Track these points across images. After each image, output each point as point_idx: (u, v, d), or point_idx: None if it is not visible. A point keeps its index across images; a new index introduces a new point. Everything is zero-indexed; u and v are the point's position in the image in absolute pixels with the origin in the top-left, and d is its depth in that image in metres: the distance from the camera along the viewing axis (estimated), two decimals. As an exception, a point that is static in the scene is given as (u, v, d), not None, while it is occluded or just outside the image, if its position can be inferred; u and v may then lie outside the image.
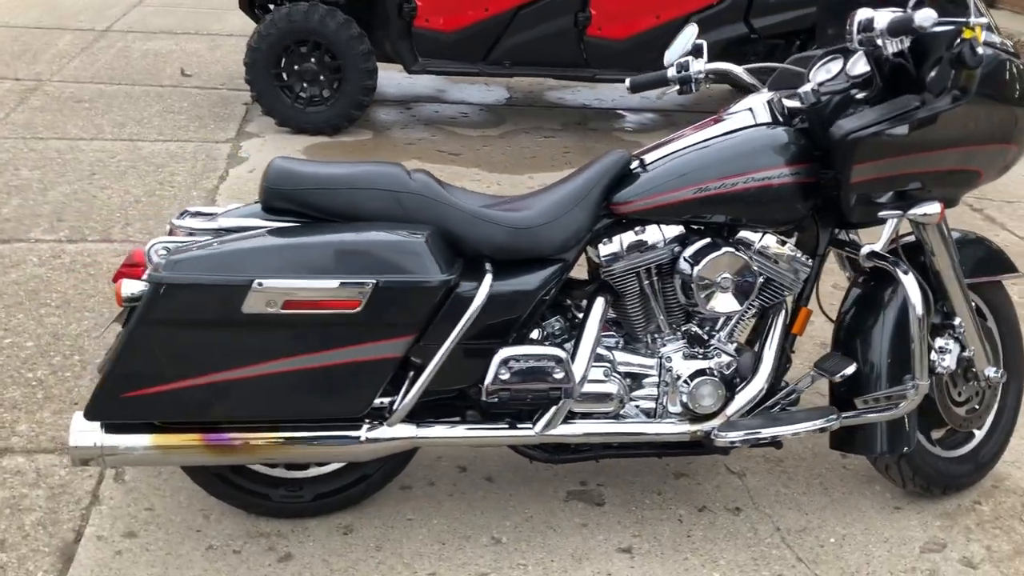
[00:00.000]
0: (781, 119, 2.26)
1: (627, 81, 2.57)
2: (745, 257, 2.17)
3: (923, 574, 2.28)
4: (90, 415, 1.92)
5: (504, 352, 2.08)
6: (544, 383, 2.10)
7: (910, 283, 2.17)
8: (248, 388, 1.93)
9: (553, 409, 2.14)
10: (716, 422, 2.23)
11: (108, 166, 4.51)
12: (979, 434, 2.56)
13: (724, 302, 2.17)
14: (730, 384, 2.25)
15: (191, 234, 2.02)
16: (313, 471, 2.28)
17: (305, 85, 5.05)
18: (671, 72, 2.45)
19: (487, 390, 2.08)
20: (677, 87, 2.46)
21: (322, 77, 5.04)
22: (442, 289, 1.96)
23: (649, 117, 6.04)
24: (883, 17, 1.98)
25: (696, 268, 2.14)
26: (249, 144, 4.98)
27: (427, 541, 2.28)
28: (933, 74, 2.04)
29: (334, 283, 1.88)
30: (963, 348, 2.40)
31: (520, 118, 5.80)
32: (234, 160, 4.73)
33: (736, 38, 5.24)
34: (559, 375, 2.11)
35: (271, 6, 5.29)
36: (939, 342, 2.38)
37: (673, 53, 2.54)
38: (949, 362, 2.38)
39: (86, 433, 1.98)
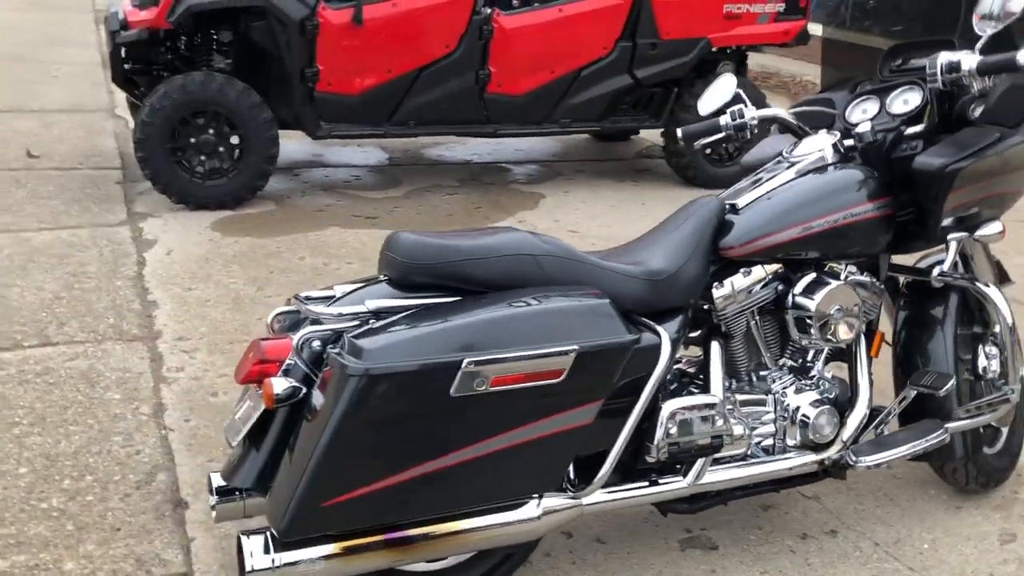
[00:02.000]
0: (847, 158, 2.42)
1: (679, 131, 2.65)
2: (851, 288, 2.29)
3: (1017, 565, 2.47)
4: (288, 533, 1.71)
5: (671, 405, 2.06)
6: (706, 432, 2.11)
7: (996, 295, 2.38)
8: (451, 476, 1.80)
9: (703, 458, 2.15)
10: (835, 449, 2.32)
11: (1, 263, 4.01)
12: (1004, 429, 2.82)
13: (840, 332, 2.28)
14: (841, 411, 2.35)
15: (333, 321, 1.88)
16: (452, 561, 2.14)
17: (203, 158, 4.75)
18: (725, 120, 2.55)
19: (657, 446, 2.05)
20: (731, 134, 2.57)
21: (221, 149, 4.77)
22: (631, 348, 1.92)
23: (533, 168, 6.17)
24: (970, 59, 2.19)
25: (815, 302, 2.23)
26: (149, 225, 4.60)
27: (578, 613, 2.20)
28: (1016, 107, 2.26)
29: (544, 354, 1.80)
30: (1001, 352, 2.64)
31: (413, 177, 5.74)
32: (142, 244, 4.35)
33: (622, 88, 5.49)
34: (719, 422, 2.12)
35: (147, 78, 4.94)
36: (986, 349, 2.61)
37: (710, 103, 2.66)
38: (995, 366, 2.61)
39: (262, 556, 1.76)
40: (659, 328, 2.05)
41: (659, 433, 2.05)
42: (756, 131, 2.57)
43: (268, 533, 1.82)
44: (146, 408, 2.96)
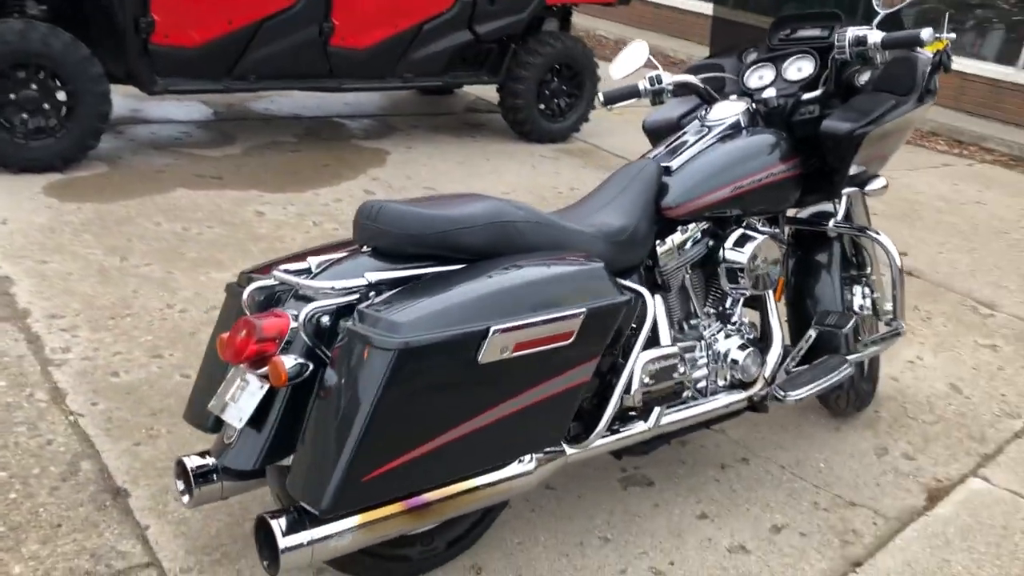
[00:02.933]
0: (755, 122, 2.64)
1: (600, 95, 2.76)
2: (772, 240, 2.53)
3: (894, 475, 2.86)
4: (332, 509, 1.70)
5: (645, 356, 2.21)
6: (672, 379, 2.28)
7: (888, 242, 2.70)
8: (475, 440, 1.84)
9: (661, 403, 2.32)
10: (759, 386, 2.57)
11: None
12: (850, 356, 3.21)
13: (765, 280, 2.51)
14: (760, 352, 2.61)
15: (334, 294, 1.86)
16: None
17: (26, 116, 4.32)
18: (643, 85, 2.70)
19: (635, 395, 2.20)
20: (650, 98, 2.72)
21: (47, 106, 4.35)
22: (624, 307, 2.04)
23: (367, 123, 6.09)
24: (875, 34, 2.46)
25: (745, 255, 2.45)
26: (-31, 192, 4.15)
27: (552, 557, 2.33)
28: (907, 77, 2.55)
29: (559, 318, 1.87)
30: (872, 291, 3.01)
31: (247, 134, 5.51)
32: (-32, 213, 3.93)
33: (462, 43, 5.53)
34: (681, 370, 2.30)
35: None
36: (862, 289, 2.96)
37: (622, 68, 2.80)
38: (870, 304, 2.97)
39: (293, 537, 1.75)
40: (639, 287, 2.18)
41: (635, 382, 2.19)
42: (671, 95, 2.74)
43: (293, 512, 1.80)
44: (42, 394, 2.74)
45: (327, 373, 1.79)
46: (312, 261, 2.07)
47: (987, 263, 4.97)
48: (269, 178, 4.79)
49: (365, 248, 2.03)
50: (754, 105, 2.67)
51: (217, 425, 2.02)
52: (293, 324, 1.87)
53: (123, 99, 5.70)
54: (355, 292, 1.89)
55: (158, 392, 2.82)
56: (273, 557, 1.77)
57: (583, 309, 1.93)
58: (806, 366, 2.74)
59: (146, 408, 2.74)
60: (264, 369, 1.84)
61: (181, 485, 2.08)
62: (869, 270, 2.98)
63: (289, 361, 1.80)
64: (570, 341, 1.93)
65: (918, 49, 2.53)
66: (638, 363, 2.21)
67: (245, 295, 2.01)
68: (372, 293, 1.90)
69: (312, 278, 1.96)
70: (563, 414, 2.01)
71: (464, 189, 4.97)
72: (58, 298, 3.30)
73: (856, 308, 2.94)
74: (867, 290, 2.97)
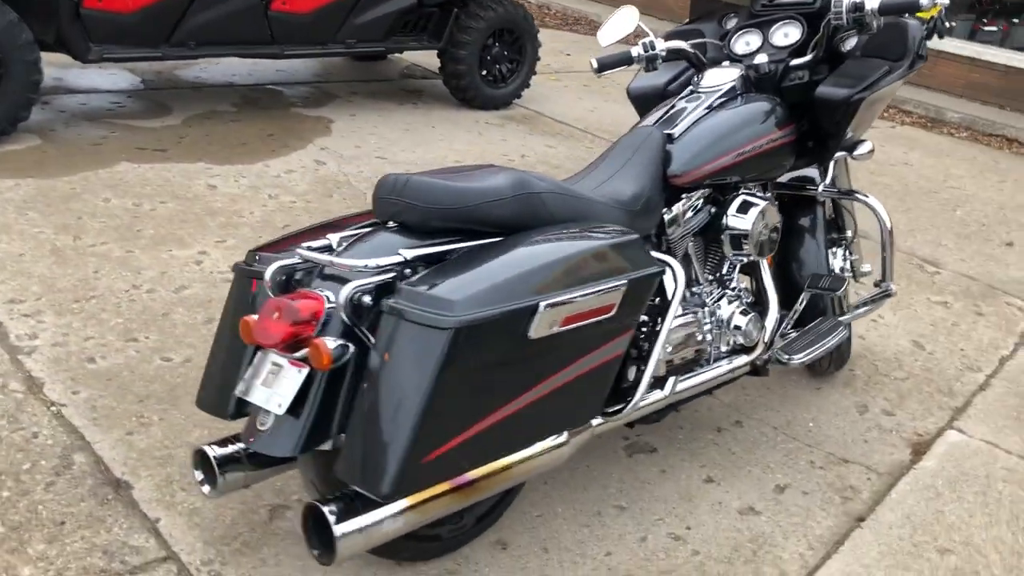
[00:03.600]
0: (752, 89, 2.66)
1: (594, 62, 2.73)
2: (772, 206, 2.56)
3: (878, 431, 2.96)
4: (393, 493, 1.65)
5: (668, 325, 2.21)
6: (693, 347, 2.29)
7: (877, 204, 2.76)
8: (523, 416, 1.82)
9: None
10: (760, 350, 2.61)
11: None
12: (843, 318, 3.31)
13: (767, 246, 2.55)
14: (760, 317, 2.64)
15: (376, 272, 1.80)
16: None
17: (-50, 87, 4.04)
18: (636, 52, 2.68)
19: (660, 365, 2.20)
20: (643, 65, 2.70)
21: (-28, 76, 4.08)
22: (657, 278, 2.03)
23: (304, 90, 5.91)
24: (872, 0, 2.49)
25: (749, 221, 2.47)
26: None
27: (573, 528, 2.33)
28: (898, 43, 2.59)
29: (603, 290, 1.85)
30: (851, 254, 3.09)
31: (182, 103, 5.28)
32: None
33: (405, 8, 5.40)
34: (699, 337, 2.31)
35: None
36: (843, 252, 3.03)
37: (611, 34, 2.77)
38: (849, 266, 3.05)
39: (347, 524, 1.70)
40: (666, 257, 2.18)
41: (657, 350, 2.20)
42: (663, 61, 2.72)
43: (343, 498, 1.74)
44: (16, 384, 2.59)
45: (373, 355, 1.73)
46: (332, 238, 2.00)
47: (923, 222, 5.15)
48: (215, 149, 4.61)
49: (391, 224, 1.97)
50: (746, 71, 2.68)
51: (239, 411, 1.94)
52: (328, 304, 1.80)
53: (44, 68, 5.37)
54: (391, 270, 1.83)
55: (140, 377, 2.70)
56: (326, 545, 1.72)
57: (624, 281, 1.92)
58: (801, 330, 2.79)
59: (131, 395, 2.61)
60: (302, 352, 1.78)
61: (200, 475, 2.00)
62: (849, 233, 3.05)
63: (331, 343, 1.74)
64: (612, 313, 1.91)
65: (907, 15, 2.58)
66: (669, 333, 2.21)
67: (268, 275, 1.93)
68: (407, 270, 1.85)
69: (337, 255, 1.89)
70: (602, 386, 2.00)
71: (415, 158, 4.89)
72: (14, 281, 3.11)
73: (838, 270, 3.01)
74: (848, 252, 3.04)
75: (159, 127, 4.82)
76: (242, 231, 3.72)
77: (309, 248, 1.93)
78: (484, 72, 5.90)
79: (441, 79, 5.95)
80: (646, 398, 2.30)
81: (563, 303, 1.80)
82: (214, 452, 1.95)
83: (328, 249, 1.97)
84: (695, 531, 2.38)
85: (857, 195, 2.83)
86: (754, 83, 2.69)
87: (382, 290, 1.81)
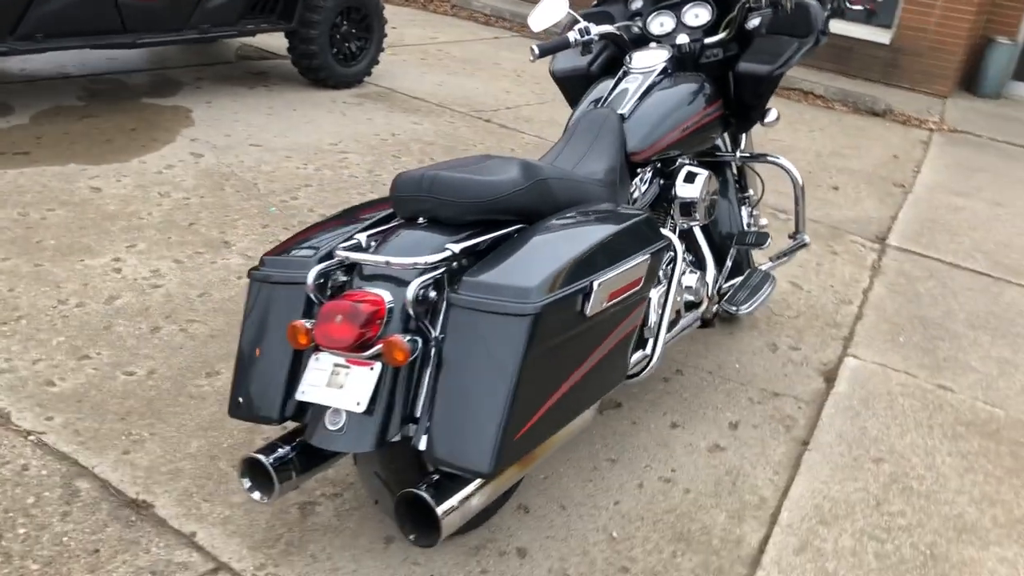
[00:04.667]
0: (682, 67, 2.91)
1: (534, 48, 2.87)
2: (712, 175, 2.83)
3: (792, 365, 3.35)
4: (495, 470, 1.76)
5: (673, 291, 2.43)
6: (678, 309, 2.53)
7: (789, 164, 3.10)
8: (579, 386, 1.98)
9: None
10: (705, 305, 2.89)
11: None
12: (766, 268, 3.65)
13: (711, 211, 2.82)
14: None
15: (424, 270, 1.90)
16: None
17: None
18: (573, 36, 2.85)
19: (655, 327, 2.42)
20: (580, 49, 2.89)
21: None
22: (669, 249, 2.24)
23: (143, 78, 5.63)
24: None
25: (697, 189, 2.73)
26: None
27: (579, 485, 2.52)
28: (804, 22, 2.90)
29: (636, 265, 2.03)
30: (753, 211, 3.44)
31: (20, 99, 4.91)
32: None
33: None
34: (679, 300, 2.55)
35: None
36: (748, 209, 3.37)
37: (541, 20, 2.93)
38: (753, 222, 3.40)
39: (446, 504, 1.81)
40: (665, 231, 2.38)
41: (668, 315, 2.42)
42: (598, 45, 2.92)
43: (433, 483, 1.85)
44: (-21, 417, 2.45)
45: (450, 345, 1.83)
46: (360, 238, 2.07)
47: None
48: (81, 149, 4.35)
49: (420, 220, 2.06)
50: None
51: (295, 415, 1.98)
52: (388, 303, 1.89)
53: None
54: (442, 265, 1.93)
55: (110, 395, 2.61)
56: (427, 528, 1.82)
57: (648, 255, 2.11)
58: (733, 283, 3.11)
59: (110, 414, 2.54)
60: (373, 351, 1.85)
61: (248, 483, 2.02)
62: (751, 192, 3.39)
63: (406, 340, 1.82)
64: (640, 286, 2.11)
65: (815, -3, 2.91)
66: (675, 286, 2.44)
67: (310, 280, 1.97)
68: (454, 264, 1.95)
69: (375, 253, 1.97)
70: (627, 353, 2.20)
71: (290, 143, 4.83)
72: (-75, 309, 2.89)
73: (746, 226, 3.35)
74: (752, 210, 3.39)
75: (7, 127, 4.49)
76: (148, 233, 3.59)
77: (350, 248, 1.99)
78: (335, 51, 5.86)
79: (283, 59, 5.86)
80: (639, 354, 2.52)
81: (609, 280, 1.97)
82: (268, 459, 1.98)
83: (359, 248, 2.04)
84: (679, 472, 2.64)
85: (768, 157, 3.16)
86: (676, 62, 2.93)
87: (437, 284, 1.91)
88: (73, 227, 3.56)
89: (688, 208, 2.77)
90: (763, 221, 3.43)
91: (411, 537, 1.86)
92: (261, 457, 1.98)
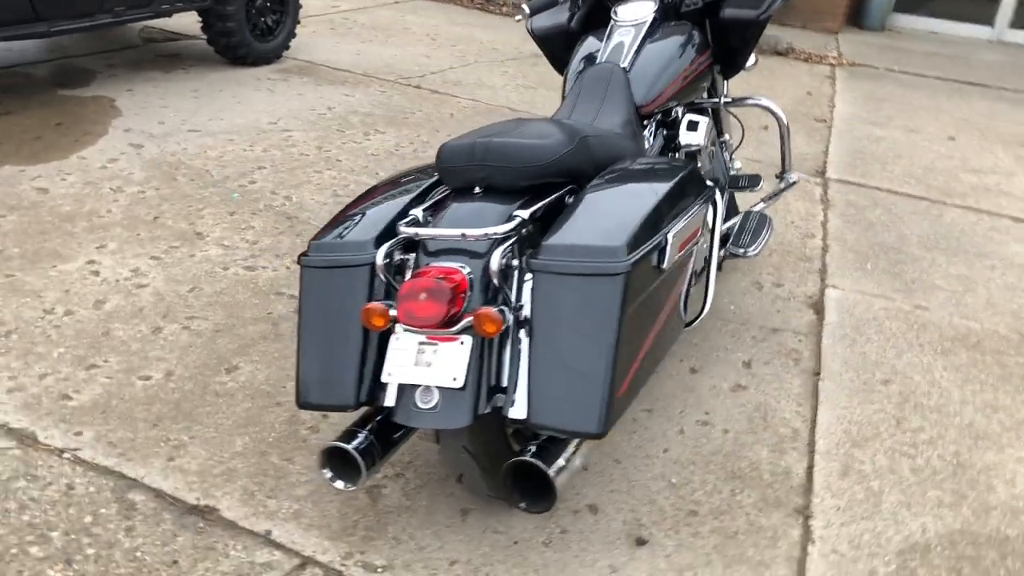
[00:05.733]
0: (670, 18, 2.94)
1: (525, 8, 2.85)
2: (711, 122, 2.88)
3: (781, 301, 3.47)
4: (606, 428, 1.77)
5: (718, 239, 2.47)
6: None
7: (774, 105, 3.17)
8: (660, 337, 2.01)
9: None
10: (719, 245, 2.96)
11: None
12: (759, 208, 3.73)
13: (712, 156, 2.88)
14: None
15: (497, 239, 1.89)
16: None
17: None
18: (564, -7, 2.86)
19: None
20: (569, 4, 2.89)
21: None
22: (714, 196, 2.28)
23: (46, 68, 5.30)
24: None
25: (701, 135, 2.78)
26: None
27: (627, 439, 2.57)
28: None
29: (695, 213, 2.07)
30: (782, 145, 3.49)
31: (-74, 102, 4.56)
32: None
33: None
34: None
35: None
36: (726, 154, 3.45)
37: (526, -19, 2.92)
38: (731, 164, 3.48)
39: (555, 467, 1.82)
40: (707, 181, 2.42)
41: (715, 262, 2.46)
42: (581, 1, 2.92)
43: (539, 449, 1.85)
44: (3, 442, 2.31)
45: (540, 312, 1.83)
46: (416, 213, 2.04)
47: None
48: (10, 149, 4.08)
49: (476, 189, 2.04)
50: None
51: (367, 400, 1.95)
52: (468, 275, 1.87)
53: None
54: (513, 233, 1.92)
55: (134, 402, 2.50)
56: (539, 492, 1.82)
57: (703, 204, 2.15)
58: (732, 225, 3.18)
59: (140, 422, 2.43)
60: (460, 325, 1.83)
61: (328, 473, 1.98)
62: (727, 136, 3.47)
63: (496, 312, 1.81)
64: (699, 235, 2.14)
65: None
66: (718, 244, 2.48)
67: (379, 261, 1.93)
68: (527, 228, 1.95)
69: (435, 227, 1.95)
70: (682, 300, 2.24)
71: (228, 126, 4.65)
72: (-99, 334, 2.68)
73: (732, 168, 3.43)
74: (729, 153, 3.47)
75: (-78, 133, 4.16)
76: (114, 232, 3.42)
77: (413, 224, 1.96)
78: (251, 26, 5.64)
79: (192, 39, 5.63)
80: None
81: (679, 232, 2.00)
82: (352, 445, 1.94)
83: (419, 223, 2.01)
84: (713, 415, 2.72)
85: (754, 99, 3.23)
86: (661, 12, 2.96)
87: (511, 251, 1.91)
88: (32, 232, 3.35)
89: (693, 156, 2.82)
90: (737, 164, 3.51)
91: (521, 505, 1.86)
92: (345, 445, 1.94)
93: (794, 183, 3.39)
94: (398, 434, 2.04)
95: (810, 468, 2.51)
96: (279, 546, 2.08)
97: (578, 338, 1.80)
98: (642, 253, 1.85)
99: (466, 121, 5.11)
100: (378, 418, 2.01)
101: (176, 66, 5.61)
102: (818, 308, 3.42)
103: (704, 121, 2.81)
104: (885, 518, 2.34)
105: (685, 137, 2.79)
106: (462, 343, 1.85)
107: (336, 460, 1.97)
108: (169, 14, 5.22)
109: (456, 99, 5.54)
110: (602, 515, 2.27)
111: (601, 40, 2.85)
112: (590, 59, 2.82)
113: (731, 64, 3.04)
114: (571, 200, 2.08)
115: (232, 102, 5.03)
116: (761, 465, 2.51)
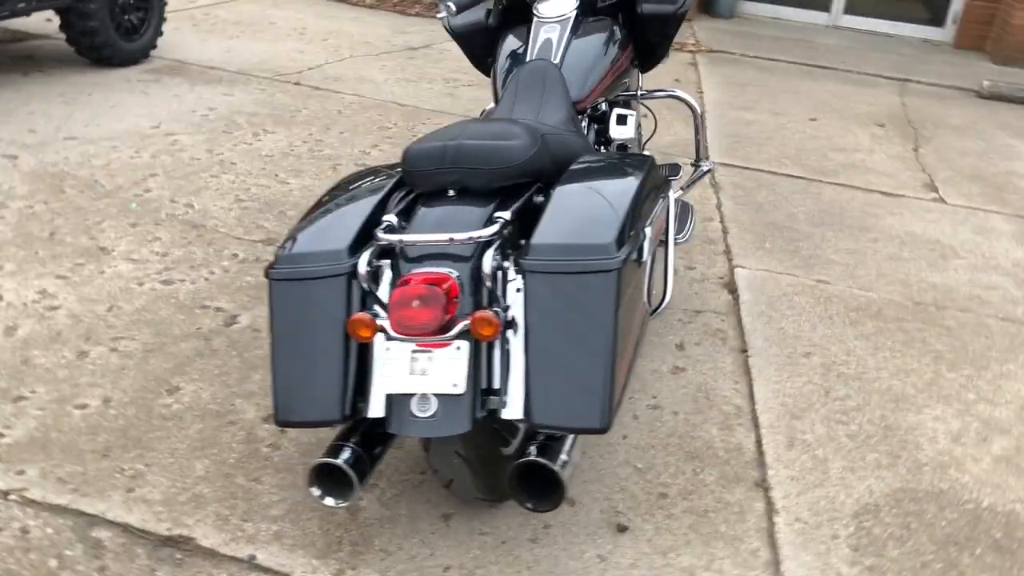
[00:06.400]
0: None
1: (451, 5, 2.83)
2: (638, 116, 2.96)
3: (698, 284, 3.60)
4: (608, 423, 1.79)
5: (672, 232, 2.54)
6: None
7: (688, 96, 3.28)
8: (640, 333, 2.05)
9: None
10: (641, 238, 3.05)
11: None
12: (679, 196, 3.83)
13: (640, 148, 2.95)
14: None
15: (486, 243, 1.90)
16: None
17: None
18: (489, -12, 2.86)
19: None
20: (494, 2, 2.89)
21: None
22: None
23: None
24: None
25: (631, 129, 2.85)
26: None
27: (583, 427, 2.62)
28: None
29: (662, 206, 2.12)
30: (696, 135, 3.57)
31: None
32: None
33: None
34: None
35: None
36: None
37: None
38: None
39: (559, 462, 1.84)
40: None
41: (672, 254, 2.53)
42: (507, -2, 2.92)
43: (542, 446, 1.86)
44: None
45: (533, 311, 1.84)
46: (388, 219, 2.01)
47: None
48: None
49: (450, 192, 2.03)
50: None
51: (351, 412, 1.91)
52: (456, 279, 1.86)
53: None
54: (497, 236, 1.92)
55: (75, 433, 2.35)
56: (548, 491, 1.84)
57: (667, 196, 2.21)
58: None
59: (87, 453, 2.29)
60: (458, 329, 1.82)
61: (317, 491, 1.93)
62: (693, 118, 3.54)
63: (492, 314, 1.81)
64: (664, 226, 2.20)
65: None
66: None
67: (362, 271, 1.90)
68: (507, 230, 1.95)
69: (411, 233, 1.93)
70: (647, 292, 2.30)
71: (106, 132, 4.39)
72: None
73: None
74: (644, 145, 3.57)
75: None
76: (9, 251, 3.18)
77: (389, 231, 1.93)
78: (115, 25, 5.34)
79: (44, 39, 5.30)
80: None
81: (654, 226, 2.05)
82: (343, 460, 1.90)
83: (395, 230, 1.98)
84: (660, 398, 2.81)
85: (668, 90, 3.33)
86: (584, 6, 3.00)
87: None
88: (-81, 257, 3.08)
89: (623, 148, 2.89)
90: (646, 153, 3.62)
91: (529, 505, 1.87)
92: (337, 462, 1.90)
93: (709, 171, 3.52)
94: (381, 446, 2.01)
95: (758, 442, 2.64)
96: (266, 570, 2.01)
97: (575, 336, 1.83)
98: (629, 248, 1.89)
99: (355, 117, 5.02)
100: (360, 430, 1.98)
101: (34, 68, 5.24)
102: (731, 288, 3.58)
103: (632, 115, 2.88)
104: (835, 484, 2.49)
105: (616, 131, 2.85)
106: (458, 348, 1.84)
107: (323, 477, 1.92)
108: (27, 13, 4.87)
109: (340, 95, 5.43)
110: (580, 507, 2.31)
111: (523, 37, 2.87)
112: (517, 57, 2.84)
113: (649, 57, 3.13)
114: (541, 199, 2.10)
115: (106, 106, 4.75)
116: (714, 443, 2.61)
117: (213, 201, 3.76)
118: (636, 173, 2.13)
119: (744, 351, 3.12)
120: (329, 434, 2.04)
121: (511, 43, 2.87)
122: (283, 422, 1.95)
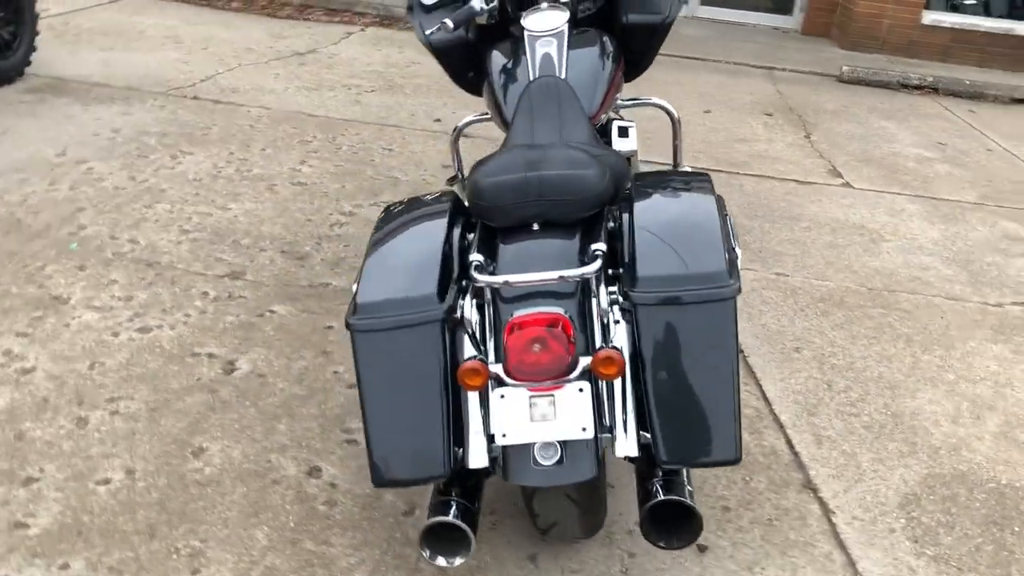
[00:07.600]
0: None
1: (448, 22, 2.72)
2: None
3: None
4: (740, 453, 1.78)
5: None
6: None
7: (667, 104, 3.29)
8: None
9: None
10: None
11: None
12: None
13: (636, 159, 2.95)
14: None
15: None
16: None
17: None
18: (479, 4, 2.76)
19: None
20: (485, 17, 2.81)
21: None
22: None
23: None
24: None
25: (633, 140, 2.84)
26: None
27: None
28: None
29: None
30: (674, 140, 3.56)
31: None
32: None
33: None
34: None
35: None
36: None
37: (431, -8, 2.81)
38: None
39: (689, 495, 1.81)
40: None
41: None
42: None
43: (667, 483, 1.82)
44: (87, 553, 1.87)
45: (650, 345, 1.80)
46: (475, 258, 1.91)
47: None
48: None
49: (535, 226, 1.96)
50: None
51: (455, 465, 1.82)
52: (566, 316, 1.81)
53: None
54: (597, 269, 1.86)
55: (110, 513, 2.12)
56: (686, 527, 1.80)
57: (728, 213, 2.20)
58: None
59: (133, 536, 2.07)
60: (578, 370, 1.76)
61: (427, 552, 1.83)
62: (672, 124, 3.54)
63: (614, 351, 1.76)
64: (731, 244, 2.20)
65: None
66: None
67: (467, 315, 1.81)
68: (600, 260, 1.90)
69: (495, 273, 1.86)
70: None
71: (4, 161, 3.98)
72: None
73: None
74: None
75: None
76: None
77: (478, 269, 1.83)
78: (-12, 43, 4.85)
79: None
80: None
81: (738, 246, 2.05)
82: (453, 516, 1.80)
83: (483, 268, 1.89)
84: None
85: (642, 100, 3.33)
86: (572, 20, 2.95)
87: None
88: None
89: (628, 161, 2.87)
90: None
91: (660, 544, 1.83)
92: (449, 519, 1.80)
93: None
94: (479, 494, 1.92)
95: (789, 443, 2.70)
96: (374, 641, 1.88)
97: (699, 368, 1.80)
98: (737, 271, 1.88)
99: (269, 132, 4.77)
100: (458, 481, 1.88)
101: None
102: (703, 288, 3.64)
103: (633, 126, 2.87)
104: (872, 477, 2.58)
105: (619, 144, 2.83)
106: (581, 390, 1.78)
107: (431, 538, 1.82)
108: None
109: (244, 108, 5.15)
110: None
111: (510, 52, 2.80)
112: (512, 72, 2.77)
113: (635, 67, 3.12)
114: (613, 225, 2.05)
115: (7, 135, 4.30)
116: (751, 449, 2.65)
117: (157, 234, 3.48)
118: (706, 191, 2.12)
119: (741, 351, 3.18)
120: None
121: (499, 58, 2.80)
122: (383, 482, 1.83)
